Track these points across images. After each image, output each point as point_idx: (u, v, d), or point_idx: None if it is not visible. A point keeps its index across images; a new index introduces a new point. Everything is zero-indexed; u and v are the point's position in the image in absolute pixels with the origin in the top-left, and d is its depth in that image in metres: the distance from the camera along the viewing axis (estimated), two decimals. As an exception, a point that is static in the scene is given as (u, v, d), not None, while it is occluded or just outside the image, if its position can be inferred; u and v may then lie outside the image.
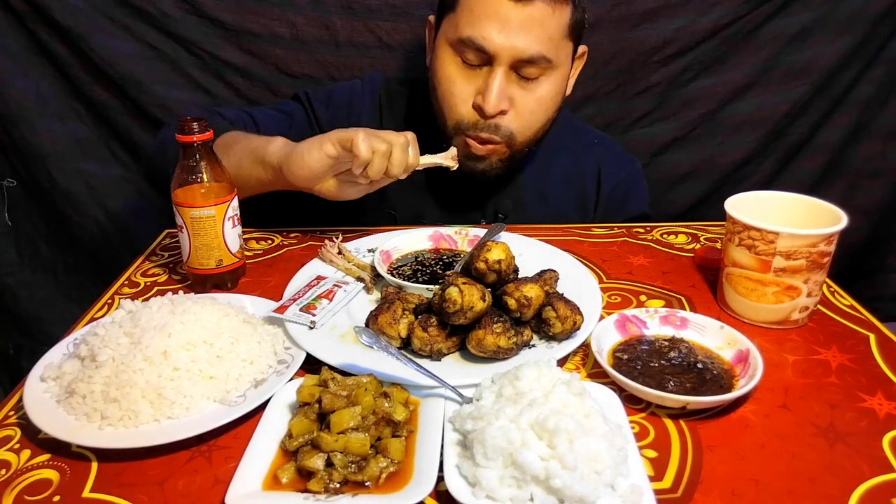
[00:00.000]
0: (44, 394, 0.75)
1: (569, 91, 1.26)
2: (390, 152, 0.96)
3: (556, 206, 1.33)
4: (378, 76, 1.37)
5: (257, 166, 1.05)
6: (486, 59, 1.10)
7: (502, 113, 1.13)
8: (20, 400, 0.74)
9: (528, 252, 1.06)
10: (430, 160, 1.06)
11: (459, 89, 1.14)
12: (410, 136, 1.00)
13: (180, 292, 0.89)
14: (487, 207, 1.31)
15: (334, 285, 0.97)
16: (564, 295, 0.87)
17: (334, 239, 1.11)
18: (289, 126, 1.27)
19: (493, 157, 1.18)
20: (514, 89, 1.12)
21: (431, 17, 1.22)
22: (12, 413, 0.76)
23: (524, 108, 1.14)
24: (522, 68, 1.10)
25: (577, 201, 1.34)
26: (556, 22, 1.08)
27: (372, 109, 1.33)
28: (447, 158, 1.07)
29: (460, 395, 0.73)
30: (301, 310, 0.89)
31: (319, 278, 1.00)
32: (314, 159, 0.98)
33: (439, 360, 0.82)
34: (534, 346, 0.84)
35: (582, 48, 1.23)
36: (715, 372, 0.78)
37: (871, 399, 0.77)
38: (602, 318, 0.88)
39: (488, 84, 1.10)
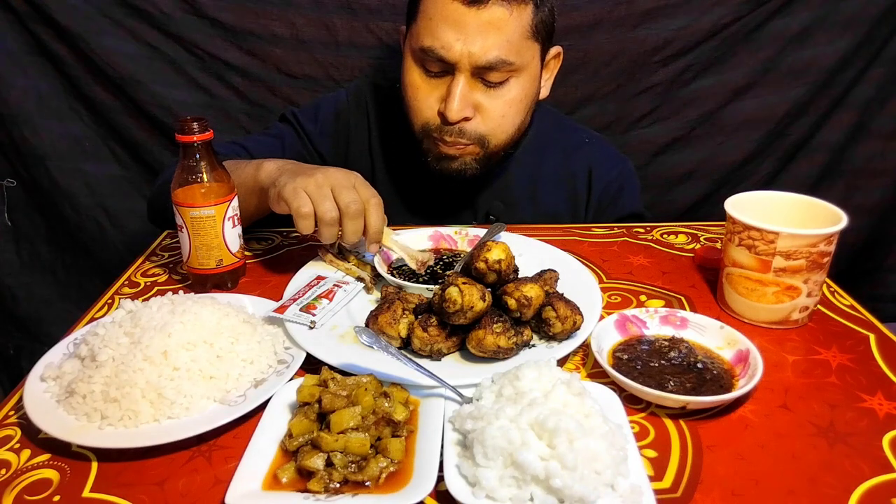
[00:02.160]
0: (44, 394, 0.75)
1: (545, 93, 1.24)
2: (363, 210, 0.94)
3: (547, 207, 1.32)
4: (363, 83, 1.35)
5: (252, 195, 1.04)
6: (447, 68, 1.10)
7: (466, 119, 1.12)
8: (20, 400, 0.74)
9: (528, 252, 1.06)
10: (400, 246, 1.03)
11: (423, 97, 1.14)
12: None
13: (180, 292, 0.89)
14: (478, 209, 1.31)
15: (334, 285, 0.97)
16: (564, 295, 0.87)
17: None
18: (281, 149, 1.27)
19: (465, 156, 1.17)
20: (478, 95, 1.11)
21: (403, 27, 1.21)
22: (12, 413, 0.76)
23: (494, 113, 1.13)
24: (485, 74, 1.09)
25: (568, 201, 1.34)
26: (514, 24, 1.07)
27: (358, 121, 1.32)
28: (414, 259, 1.03)
29: (460, 395, 0.73)
30: (301, 310, 0.89)
31: (319, 278, 1.00)
32: (271, 200, 0.97)
33: (439, 360, 0.82)
34: (534, 346, 0.84)
35: (556, 49, 1.22)
36: (715, 372, 0.78)
37: (871, 399, 0.77)
38: (602, 318, 0.88)
39: (450, 91, 1.09)
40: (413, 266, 1.02)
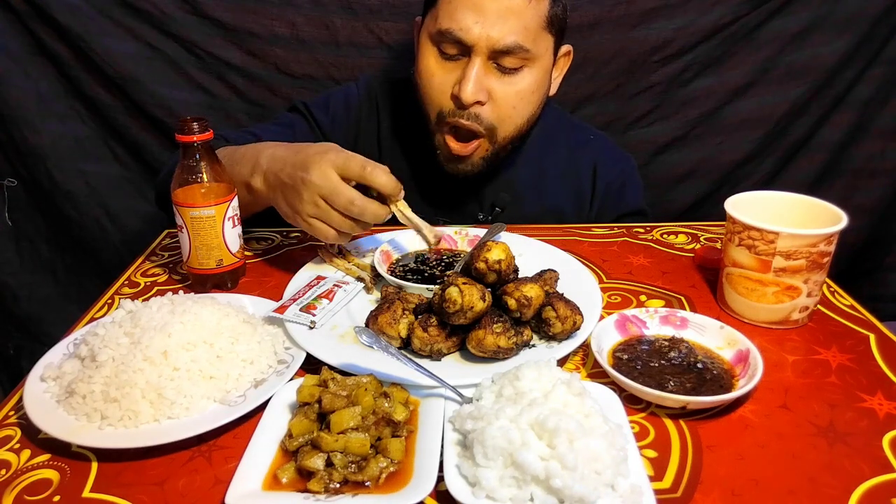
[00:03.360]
0: (44, 394, 0.75)
1: (554, 91, 1.26)
2: (363, 202, 0.91)
3: (552, 202, 1.34)
4: (372, 77, 1.37)
5: (243, 190, 1.03)
6: (463, 50, 1.12)
7: (480, 104, 1.13)
8: (20, 400, 0.74)
9: (528, 252, 1.06)
10: (414, 218, 1.00)
11: (439, 80, 1.15)
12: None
13: (180, 292, 0.89)
14: (484, 201, 1.32)
15: (334, 285, 0.97)
16: (564, 295, 0.87)
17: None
18: (293, 139, 1.25)
19: (474, 156, 1.19)
20: (492, 81, 1.13)
21: (419, 18, 1.22)
22: (12, 413, 0.76)
23: (505, 101, 1.15)
24: (500, 59, 1.11)
25: (573, 197, 1.35)
26: (532, 12, 1.10)
27: (369, 113, 1.33)
28: (429, 233, 1.01)
29: (460, 395, 0.73)
30: (301, 310, 0.89)
31: (319, 278, 1.00)
32: (290, 220, 0.97)
33: (439, 360, 0.82)
34: (534, 346, 0.84)
35: (566, 47, 1.24)
36: (715, 372, 0.78)
37: (871, 399, 0.77)
38: (602, 318, 0.88)
39: (465, 74, 1.11)
40: (430, 238, 1.01)
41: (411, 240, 1.11)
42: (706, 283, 1.04)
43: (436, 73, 1.16)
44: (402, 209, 0.98)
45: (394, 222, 1.01)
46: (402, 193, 0.96)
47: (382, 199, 0.94)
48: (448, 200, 1.31)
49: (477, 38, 1.09)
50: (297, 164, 0.92)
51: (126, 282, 1.06)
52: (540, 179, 1.33)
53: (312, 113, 1.31)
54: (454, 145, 1.17)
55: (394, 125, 1.33)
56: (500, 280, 0.83)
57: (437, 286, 0.82)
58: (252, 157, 1.01)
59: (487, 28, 1.08)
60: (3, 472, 0.67)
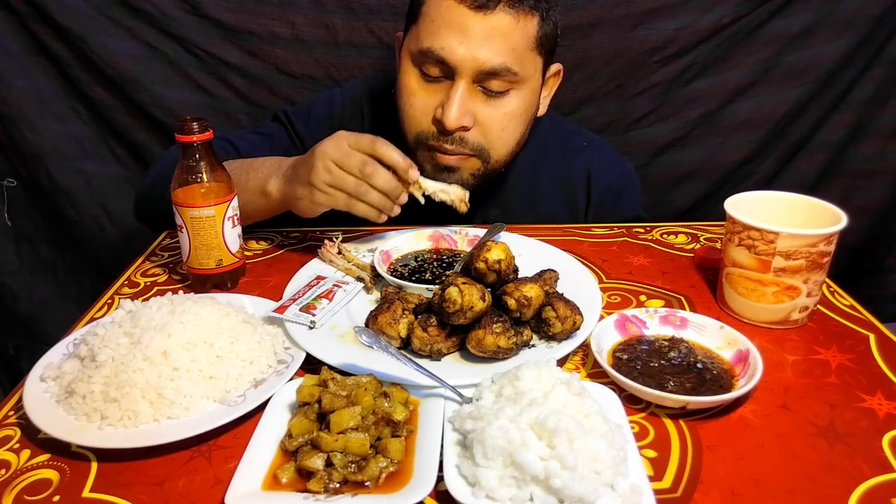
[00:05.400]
0: (44, 394, 0.75)
1: (543, 110, 1.21)
2: (374, 164, 0.94)
3: (546, 212, 1.30)
4: (358, 82, 1.34)
5: (259, 196, 1.05)
6: (447, 72, 1.06)
7: (464, 129, 1.08)
8: (20, 400, 0.74)
9: (528, 252, 1.06)
10: (438, 186, 1.01)
11: (420, 102, 1.10)
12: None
13: (180, 292, 0.89)
14: (475, 217, 1.29)
15: (334, 285, 0.97)
16: (564, 295, 0.87)
17: (334, 239, 1.10)
18: (270, 149, 1.23)
19: (464, 170, 1.13)
20: (477, 105, 1.08)
21: (400, 34, 1.17)
22: (12, 413, 0.76)
23: (492, 124, 1.09)
24: (486, 81, 1.06)
25: (567, 205, 1.32)
26: (520, 33, 1.04)
27: (352, 119, 1.30)
28: (458, 195, 1.01)
29: (460, 395, 0.73)
30: (301, 310, 0.89)
31: (319, 278, 1.00)
32: (307, 211, 0.99)
33: (439, 360, 0.82)
34: (534, 346, 0.84)
35: (556, 66, 1.19)
36: (715, 372, 0.78)
37: (871, 399, 0.77)
38: (602, 318, 0.88)
39: (449, 97, 1.05)
40: (459, 203, 1.02)
41: (411, 240, 1.11)
42: (706, 283, 1.04)
43: (417, 95, 1.09)
44: (421, 183, 0.99)
45: (395, 221, 1.01)
46: (417, 174, 0.98)
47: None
48: (437, 217, 1.28)
49: (462, 59, 1.03)
50: (311, 149, 0.97)
51: (126, 282, 1.06)
52: (532, 190, 1.30)
53: (293, 123, 1.29)
54: (440, 155, 1.12)
55: (378, 134, 1.31)
56: (500, 280, 0.83)
57: (437, 286, 0.82)
58: (272, 165, 1.05)
59: (473, 49, 1.02)
60: (3, 472, 0.67)
